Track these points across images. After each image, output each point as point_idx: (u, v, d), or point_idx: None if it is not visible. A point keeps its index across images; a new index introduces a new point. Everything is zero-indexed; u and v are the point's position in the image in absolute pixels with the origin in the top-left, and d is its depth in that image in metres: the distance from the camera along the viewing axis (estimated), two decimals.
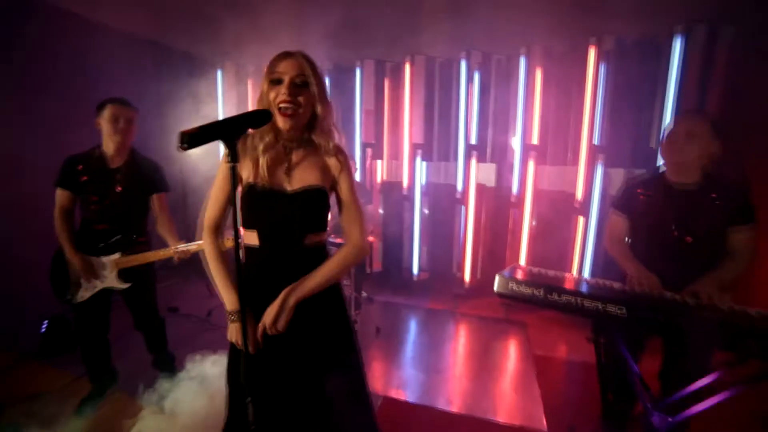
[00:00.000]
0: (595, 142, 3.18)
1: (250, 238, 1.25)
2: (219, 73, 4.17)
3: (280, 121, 1.19)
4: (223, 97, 4.22)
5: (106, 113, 2.00)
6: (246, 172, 1.24)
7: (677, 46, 2.81)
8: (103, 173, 2.03)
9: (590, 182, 3.21)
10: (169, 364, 2.39)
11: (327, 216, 1.28)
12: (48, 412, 2.14)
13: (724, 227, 1.68)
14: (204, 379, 2.18)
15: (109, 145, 2.04)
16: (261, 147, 1.22)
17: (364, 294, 3.78)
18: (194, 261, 2.08)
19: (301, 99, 1.18)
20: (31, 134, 2.89)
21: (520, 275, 1.92)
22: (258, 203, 1.22)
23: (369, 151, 4.10)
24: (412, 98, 3.85)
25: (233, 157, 0.99)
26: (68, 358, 2.63)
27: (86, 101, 2.07)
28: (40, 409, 2.17)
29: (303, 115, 1.21)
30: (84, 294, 2.06)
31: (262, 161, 1.21)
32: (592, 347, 1.89)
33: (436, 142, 4.06)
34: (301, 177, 1.24)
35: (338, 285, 1.35)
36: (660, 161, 2.84)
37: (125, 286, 2.10)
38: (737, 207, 1.66)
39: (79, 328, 2.16)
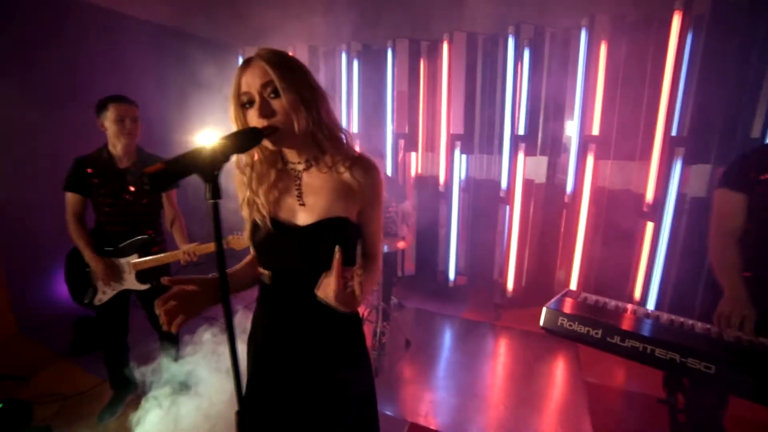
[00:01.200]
0: (674, 132, 2.70)
1: (264, 276, 1.10)
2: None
3: (269, 145, 0.97)
4: None
5: (111, 114, 1.99)
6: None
7: None
8: (115, 174, 2.06)
9: (665, 181, 2.75)
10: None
11: (355, 250, 1.07)
12: (73, 415, 2.25)
13: None
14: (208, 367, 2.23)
15: (116, 146, 2.05)
16: (253, 174, 1.04)
17: (394, 300, 3.61)
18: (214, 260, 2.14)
19: (278, 117, 0.94)
20: (55, 131, 2.95)
21: (572, 308, 1.63)
22: (264, 242, 1.04)
23: (402, 142, 3.84)
24: (451, 82, 3.51)
25: (215, 193, 0.78)
26: (95, 359, 2.70)
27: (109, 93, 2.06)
28: (67, 412, 2.28)
29: (291, 130, 0.95)
30: (102, 297, 2.13)
31: (262, 190, 1.03)
32: (647, 375, 1.51)
33: (478, 133, 3.70)
34: (315, 205, 1.02)
35: (357, 322, 1.16)
36: None
37: (145, 287, 2.15)
38: None
39: (101, 331, 2.26)
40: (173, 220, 2.26)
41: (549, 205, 3.52)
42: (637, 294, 3.01)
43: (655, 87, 2.76)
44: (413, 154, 3.94)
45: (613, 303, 1.69)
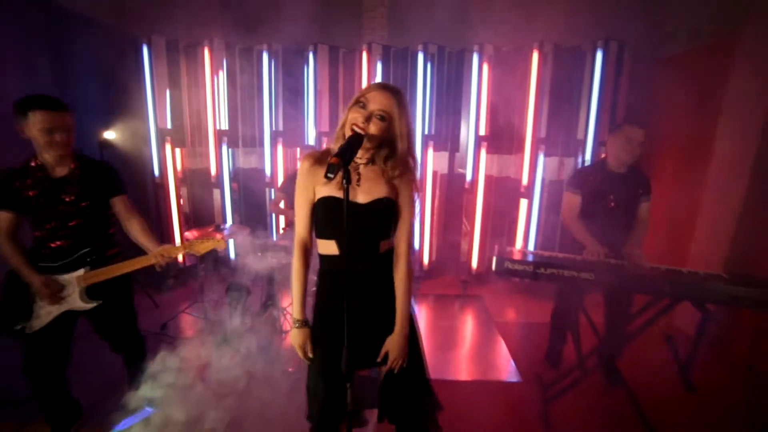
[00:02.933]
0: (539, 134, 3.87)
1: (328, 247, 1.47)
2: (145, 49, 3.82)
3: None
4: (152, 78, 3.88)
5: (35, 122, 1.75)
6: (319, 187, 1.44)
7: (599, 57, 3.59)
8: (49, 186, 1.86)
9: (534, 169, 3.91)
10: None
11: (394, 223, 1.51)
12: None
13: (638, 200, 2.57)
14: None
15: (46, 156, 1.85)
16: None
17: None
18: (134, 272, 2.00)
19: (373, 129, 1.33)
20: None
21: (511, 255, 2.42)
22: (336, 216, 1.38)
23: (326, 140, 4.24)
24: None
25: (349, 178, 1.18)
26: None
27: None
28: None
29: (369, 139, 1.35)
30: (37, 322, 1.89)
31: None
32: (537, 310, 2.81)
33: None
34: (370, 190, 1.44)
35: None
36: (578, 154, 3.70)
37: (92, 305, 1.95)
38: (645, 186, 2.57)
39: (31, 362, 1.93)
40: (132, 226, 2.05)
41: (451, 192, 4.45)
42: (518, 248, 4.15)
43: (522, 100, 3.89)
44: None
45: (530, 250, 2.56)
